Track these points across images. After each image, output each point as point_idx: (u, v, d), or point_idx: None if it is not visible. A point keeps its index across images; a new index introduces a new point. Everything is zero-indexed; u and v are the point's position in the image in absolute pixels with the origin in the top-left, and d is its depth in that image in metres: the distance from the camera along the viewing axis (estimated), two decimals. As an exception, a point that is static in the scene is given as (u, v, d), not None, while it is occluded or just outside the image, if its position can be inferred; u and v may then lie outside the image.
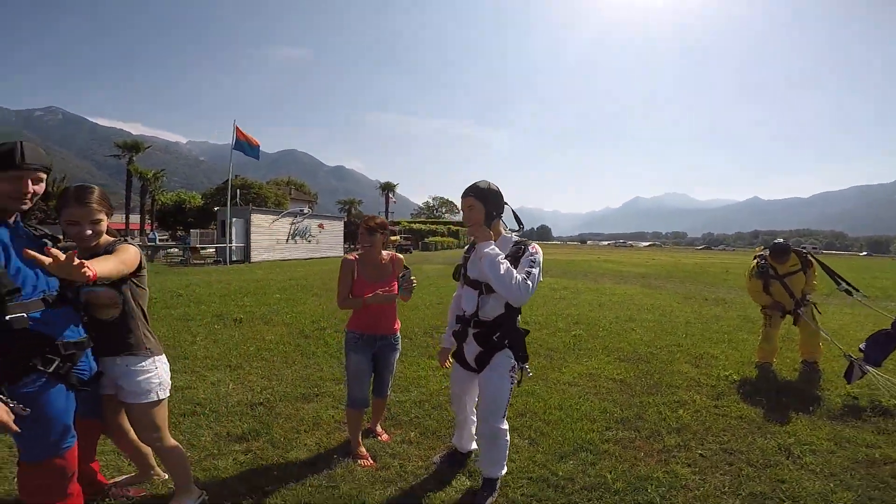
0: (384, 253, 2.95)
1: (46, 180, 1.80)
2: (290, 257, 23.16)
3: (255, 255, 20.70)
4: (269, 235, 22.12)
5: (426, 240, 43.99)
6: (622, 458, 2.96)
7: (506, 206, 2.42)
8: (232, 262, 19.49)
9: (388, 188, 53.93)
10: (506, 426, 2.49)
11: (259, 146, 19.17)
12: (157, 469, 2.49)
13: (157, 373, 2.12)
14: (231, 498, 2.36)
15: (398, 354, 3.07)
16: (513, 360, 2.41)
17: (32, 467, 1.82)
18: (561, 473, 2.72)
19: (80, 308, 1.93)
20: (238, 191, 30.79)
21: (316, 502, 2.36)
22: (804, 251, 5.02)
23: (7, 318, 1.62)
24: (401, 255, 3.05)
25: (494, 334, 2.41)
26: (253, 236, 20.70)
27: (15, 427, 1.61)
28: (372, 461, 2.83)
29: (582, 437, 3.22)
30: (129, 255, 1.91)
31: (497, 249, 2.28)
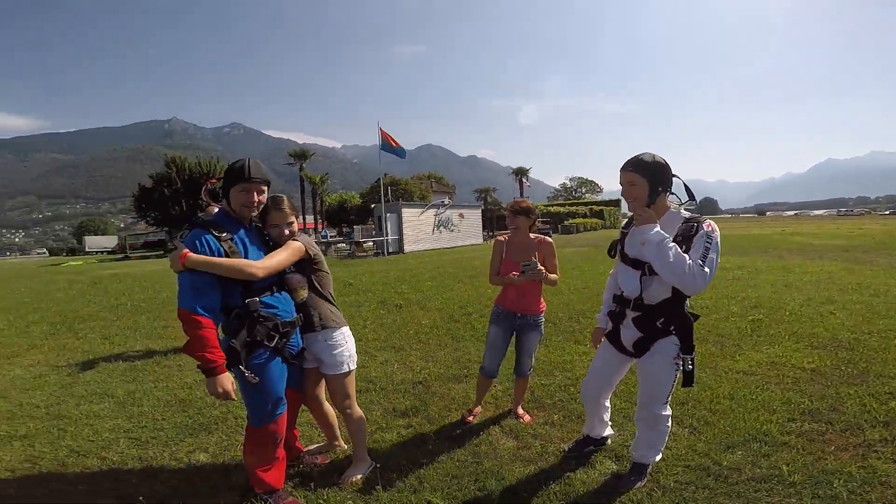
0: (532, 235, 3.05)
1: (267, 191, 2.23)
2: (436, 247, 24.67)
3: (408, 247, 22.59)
4: (417, 227, 23.91)
5: (566, 222, 42.51)
6: (805, 450, 2.61)
7: (675, 178, 2.14)
8: (389, 253, 21.60)
9: (520, 173, 53.16)
10: (668, 412, 2.34)
11: (402, 147, 20.63)
12: (341, 440, 2.92)
13: (347, 346, 2.52)
14: (394, 468, 2.64)
15: (540, 336, 3.12)
16: (677, 348, 2.19)
17: (254, 432, 2.22)
18: (725, 463, 2.52)
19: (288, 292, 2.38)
20: (389, 188, 33.84)
21: (461, 475, 2.54)
22: None
23: (246, 301, 2.13)
24: (550, 239, 3.08)
25: (658, 320, 2.18)
26: (405, 229, 22.61)
27: (234, 396, 2.03)
28: (471, 418, 3.20)
29: (756, 427, 2.90)
30: (281, 252, 2.26)
31: (662, 233, 2.02)
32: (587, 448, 2.72)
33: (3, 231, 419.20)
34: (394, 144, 20.09)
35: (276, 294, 2.23)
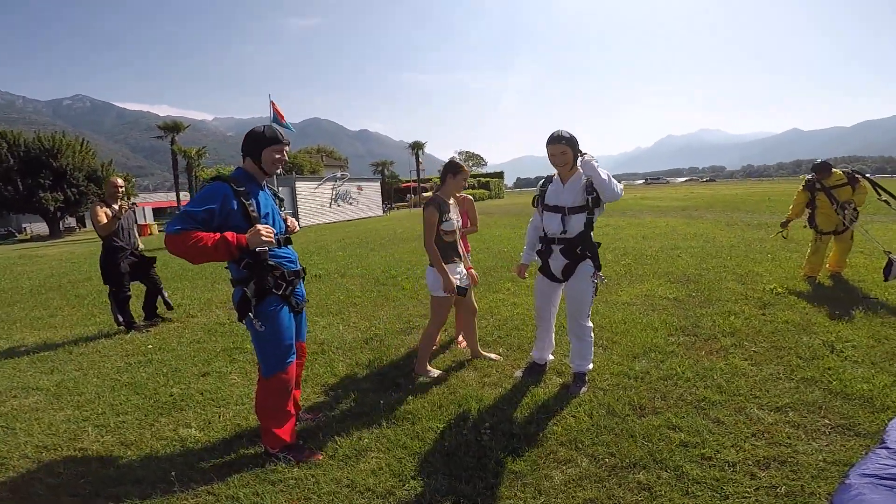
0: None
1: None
2: (335, 220, 24.13)
3: (303, 220, 21.78)
4: (313, 201, 23.08)
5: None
6: (686, 356, 3.54)
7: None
8: (282, 228, 20.59)
9: (417, 147, 53.71)
10: (590, 325, 3.07)
11: (287, 123, 19.52)
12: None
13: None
14: (385, 409, 2.89)
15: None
16: (593, 268, 2.96)
17: (266, 384, 2.32)
18: (637, 369, 3.32)
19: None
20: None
21: (444, 403, 2.97)
22: (850, 170, 5.49)
23: (256, 250, 2.21)
24: (471, 197, 4.06)
25: (578, 247, 2.95)
26: (299, 202, 21.69)
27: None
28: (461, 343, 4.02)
29: (648, 342, 3.82)
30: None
31: (595, 164, 2.85)
32: (534, 373, 3.32)
33: None
34: (282, 120, 19.02)
35: (283, 246, 2.39)
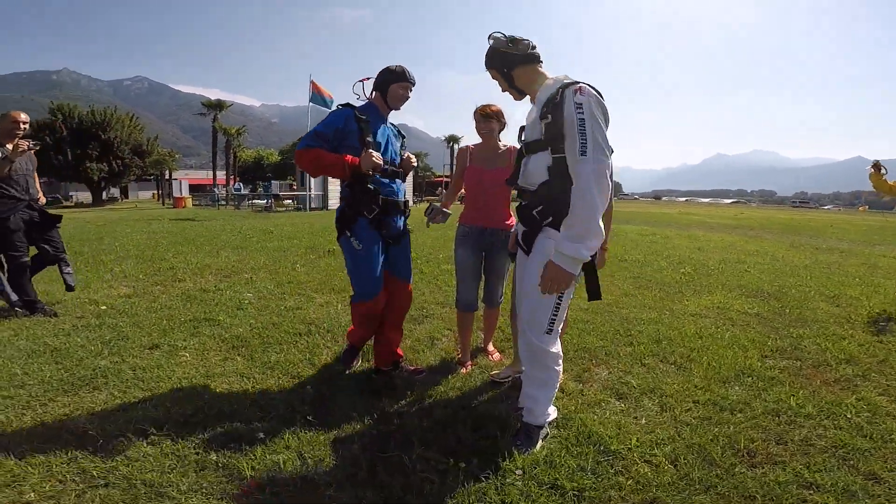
0: (502, 143, 2.66)
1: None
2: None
3: (333, 203, 21.32)
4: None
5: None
6: (796, 384, 2.56)
7: (534, 51, 1.81)
8: (311, 209, 20.23)
9: (452, 140, 53.49)
10: (556, 350, 1.82)
11: (333, 99, 19.19)
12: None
13: None
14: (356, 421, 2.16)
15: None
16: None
17: (351, 307, 2.51)
18: (732, 398, 2.37)
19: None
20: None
21: (452, 421, 2.10)
22: None
23: (367, 172, 2.29)
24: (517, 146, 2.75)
25: (536, 208, 1.78)
26: (330, 185, 21.25)
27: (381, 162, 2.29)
28: (464, 370, 2.70)
29: (739, 363, 2.84)
30: None
31: (570, 240, 1.60)
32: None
33: None
34: (327, 96, 18.57)
35: (392, 178, 2.46)
